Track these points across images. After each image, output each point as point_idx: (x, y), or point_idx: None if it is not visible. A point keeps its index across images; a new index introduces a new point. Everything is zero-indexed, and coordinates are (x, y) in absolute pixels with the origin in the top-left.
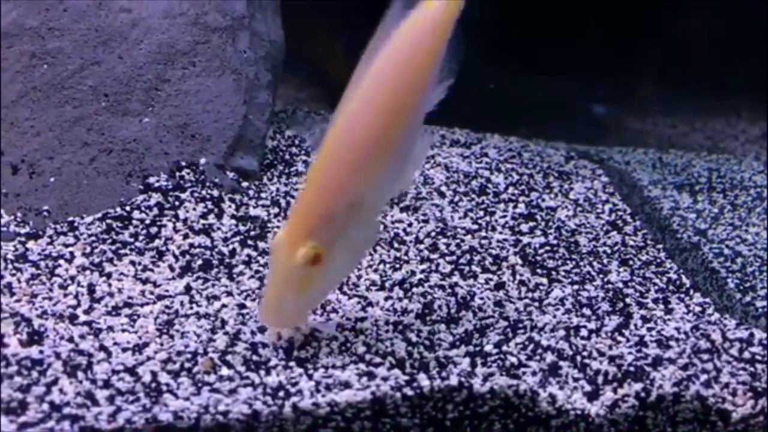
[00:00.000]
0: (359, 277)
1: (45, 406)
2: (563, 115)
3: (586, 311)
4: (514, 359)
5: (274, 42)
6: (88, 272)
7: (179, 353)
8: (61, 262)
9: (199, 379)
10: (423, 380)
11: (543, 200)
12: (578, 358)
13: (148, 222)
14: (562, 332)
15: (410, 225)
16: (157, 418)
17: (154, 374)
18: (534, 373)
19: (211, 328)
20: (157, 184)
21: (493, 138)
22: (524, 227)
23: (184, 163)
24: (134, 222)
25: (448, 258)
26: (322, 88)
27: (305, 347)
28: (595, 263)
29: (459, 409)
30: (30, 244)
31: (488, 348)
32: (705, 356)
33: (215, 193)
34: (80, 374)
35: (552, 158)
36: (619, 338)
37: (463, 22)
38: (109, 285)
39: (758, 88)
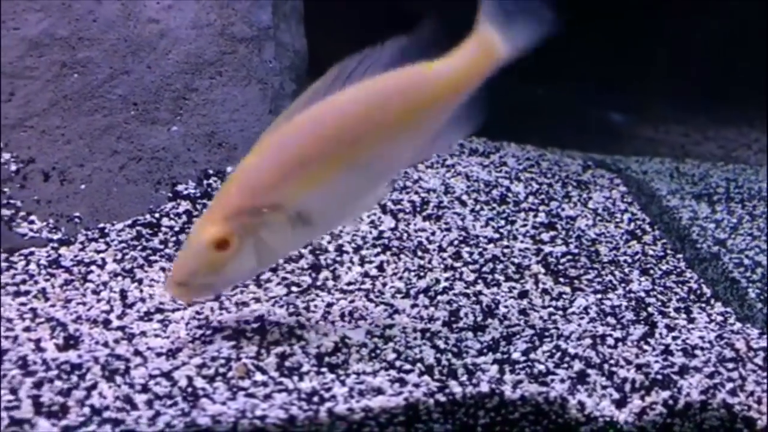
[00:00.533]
0: (384, 285)
1: (86, 410)
2: (575, 123)
3: (611, 320)
4: (542, 367)
5: (297, 52)
6: (119, 278)
7: (213, 359)
8: (93, 268)
9: (234, 384)
10: (455, 387)
11: (563, 209)
12: (605, 366)
13: (177, 229)
14: (588, 341)
15: (433, 234)
16: (196, 422)
17: (189, 379)
18: (562, 381)
19: (242, 334)
20: (185, 192)
21: (510, 147)
22: (545, 236)
23: (211, 171)
24: (163, 229)
25: (471, 266)
26: None
27: (336, 354)
28: (616, 272)
29: (490, 415)
30: (62, 250)
31: (516, 356)
32: (730, 365)
33: None
34: (118, 378)
35: (569, 167)
36: (645, 347)
37: None
38: (141, 291)
39: None
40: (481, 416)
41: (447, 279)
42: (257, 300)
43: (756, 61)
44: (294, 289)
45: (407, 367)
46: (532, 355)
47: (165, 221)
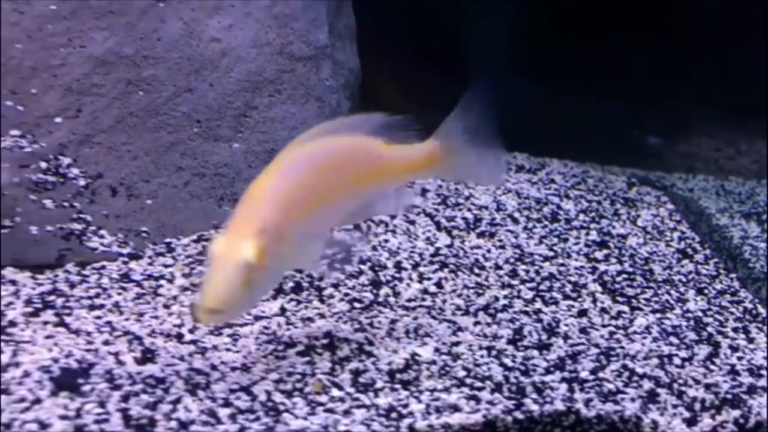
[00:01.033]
0: (444, 302)
1: (173, 423)
2: (608, 138)
3: (674, 340)
4: (611, 386)
5: (351, 70)
6: (188, 292)
7: (289, 374)
8: (163, 282)
9: (312, 399)
10: (531, 404)
11: (613, 227)
12: (674, 385)
13: None
14: (655, 360)
15: (489, 251)
16: None
17: (268, 393)
18: (633, 400)
19: (313, 350)
20: None
21: (553, 163)
22: (599, 254)
23: None
24: None
25: (528, 284)
26: (372, 110)
27: (407, 370)
28: (672, 292)
29: None
30: (132, 264)
31: (584, 374)
32: None
33: None
34: (200, 392)
35: (614, 184)
36: (711, 366)
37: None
38: None
39: None
40: None
41: (505, 297)
42: (322, 316)
43: None
44: (356, 305)
45: (478, 384)
46: (600, 374)
47: None
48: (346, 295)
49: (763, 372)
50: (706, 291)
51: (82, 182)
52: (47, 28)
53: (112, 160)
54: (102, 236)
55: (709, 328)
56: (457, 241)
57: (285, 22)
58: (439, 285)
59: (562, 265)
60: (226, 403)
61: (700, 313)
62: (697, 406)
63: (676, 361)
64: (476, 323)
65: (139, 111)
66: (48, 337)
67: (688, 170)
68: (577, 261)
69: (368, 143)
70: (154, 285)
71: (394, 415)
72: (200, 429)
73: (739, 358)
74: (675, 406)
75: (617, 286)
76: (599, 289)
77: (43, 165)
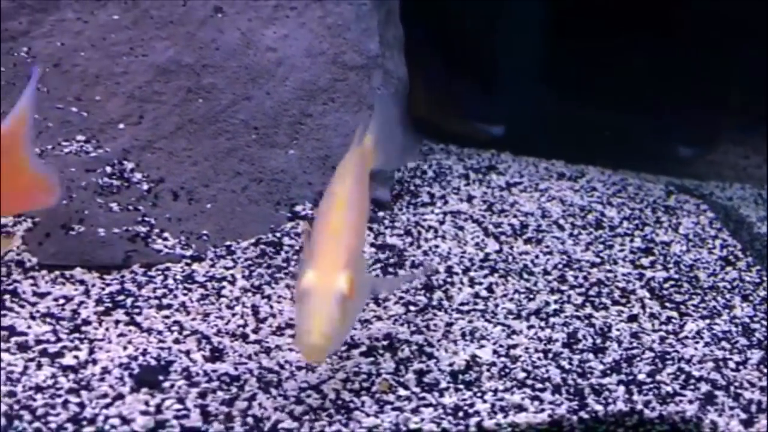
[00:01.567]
0: (497, 306)
1: (249, 420)
2: (638, 145)
3: (726, 344)
4: (668, 388)
5: (401, 79)
6: (250, 294)
7: (355, 374)
8: (225, 283)
9: (379, 398)
10: (595, 405)
11: (656, 235)
12: (731, 388)
13: (297, 248)
14: (711, 364)
15: (536, 257)
16: None
17: (337, 392)
18: (690, 402)
19: (375, 350)
20: (303, 213)
21: (589, 170)
22: (644, 261)
23: None
24: (285, 248)
25: (577, 290)
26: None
27: (468, 371)
28: (719, 298)
29: None
30: (195, 266)
31: (641, 377)
32: None
33: None
34: (273, 390)
35: (653, 192)
36: (765, 370)
37: None
38: (271, 306)
39: None
40: None
41: (556, 302)
42: (379, 318)
43: None
44: (411, 308)
45: (539, 385)
46: (657, 377)
47: (286, 240)
48: (401, 298)
49: None
50: (751, 298)
51: (145, 186)
52: (110, 38)
53: (173, 166)
54: (165, 239)
55: (757, 334)
56: (506, 247)
57: (338, 32)
58: (490, 289)
59: (609, 271)
60: (298, 401)
61: (747, 320)
62: (754, 408)
63: (731, 365)
64: (530, 327)
65: (198, 118)
66: (121, 335)
67: (718, 178)
68: (624, 267)
69: (367, 153)
70: (217, 286)
71: (461, 414)
72: (275, 425)
73: None
74: (732, 408)
75: (665, 292)
76: (647, 295)
77: (108, 169)
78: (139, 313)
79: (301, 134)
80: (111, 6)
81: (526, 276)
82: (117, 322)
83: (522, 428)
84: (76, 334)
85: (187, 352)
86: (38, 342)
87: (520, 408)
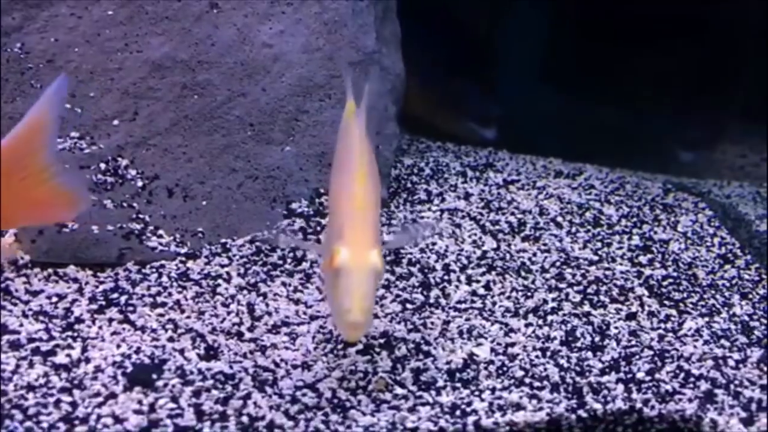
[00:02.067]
0: (494, 304)
1: (244, 419)
2: (636, 144)
3: (725, 342)
4: (668, 386)
5: (398, 75)
6: (245, 292)
7: (351, 372)
8: (220, 281)
9: (376, 397)
10: (594, 403)
11: (655, 233)
12: (731, 386)
13: (293, 245)
14: (710, 362)
15: (534, 255)
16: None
17: (333, 391)
18: (690, 400)
19: (371, 349)
20: (299, 210)
21: (587, 168)
22: (643, 259)
23: (322, 190)
24: (281, 245)
25: (575, 288)
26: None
27: (465, 370)
28: (718, 296)
29: (627, 431)
30: (190, 263)
31: (640, 375)
32: None
33: None
34: (268, 389)
35: (651, 190)
36: (766, 368)
37: None
38: (266, 304)
39: None
40: None
41: (554, 300)
42: (375, 316)
43: None
44: (408, 306)
45: (537, 384)
46: (656, 375)
47: (282, 237)
48: (397, 296)
49: None
50: (750, 296)
51: (139, 183)
52: (105, 33)
53: (168, 162)
54: (160, 236)
55: (757, 332)
56: (503, 244)
57: (334, 29)
58: (487, 287)
59: (608, 269)
60: (294, 400)
61: (746, 318)
62: (754, 406)
63: (731, 363)
64: (528, 325)
65: (193, 114)
66: (114, 333)
67: (716, 176)
68: (622, 265)
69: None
70: (212, 284)
71: (458, 413)
72: (270, 424)
73: None
74: (731, 407)
75: (664, 290)
76: (646, 293)
77: (102, 166)
78: (133, 311)
79: (297, 131)
80: (105, 1)
81: (523, 274)
82: (110, 320)
83: (520, 427)
84: (69, 332)
85: (182, 351)
86: (31, 340)
87: (518, 407)
